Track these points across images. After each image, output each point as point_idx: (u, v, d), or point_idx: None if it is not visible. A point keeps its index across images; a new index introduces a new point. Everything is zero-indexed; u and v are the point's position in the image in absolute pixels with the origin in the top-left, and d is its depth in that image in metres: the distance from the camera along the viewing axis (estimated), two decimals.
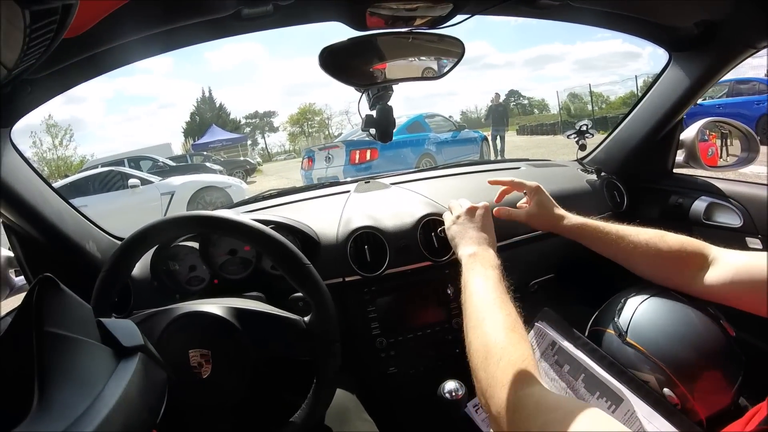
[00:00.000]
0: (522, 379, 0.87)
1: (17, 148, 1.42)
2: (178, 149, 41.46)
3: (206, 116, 51.00)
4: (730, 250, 1.18)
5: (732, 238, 1.71)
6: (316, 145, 17.98)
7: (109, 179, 11.65)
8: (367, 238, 1.66)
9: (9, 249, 1.59)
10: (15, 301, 1.59)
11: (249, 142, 48.33)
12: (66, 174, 24.57)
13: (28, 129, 36.80)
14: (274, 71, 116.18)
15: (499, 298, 1.12)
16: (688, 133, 1.99)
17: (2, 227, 1.52)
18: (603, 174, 2.14)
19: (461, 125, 14.55)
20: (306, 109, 58.65)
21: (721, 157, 2.06)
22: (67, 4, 0.67)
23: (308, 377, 1.24)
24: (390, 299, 1.68)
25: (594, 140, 2.32)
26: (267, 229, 1.23)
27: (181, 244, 1.64)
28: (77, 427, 0.61)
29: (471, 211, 1.46)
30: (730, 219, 1.78)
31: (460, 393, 1.44)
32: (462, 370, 1.47)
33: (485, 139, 14.57)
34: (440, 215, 1.70)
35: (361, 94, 1.44)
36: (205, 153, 30.74)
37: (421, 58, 1.41)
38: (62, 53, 1.13)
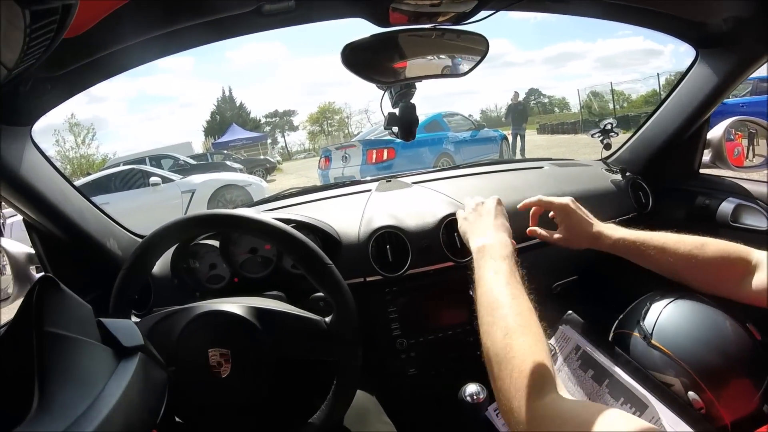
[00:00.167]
0: (537, 389, 0.85)
1: (38, 147, 1.43)
2: (198, 148, 41.78)
3: (226, 115, 51.45)
4: None
5: (760, 241, 1.65)
6: (333, 144, 17.99)
7: (130, 177, 11.79)
8: (389, 238, 1.64)
9: (30, 246, 1.59)
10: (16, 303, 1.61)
11: (269, 140, 48.70)
12: (88, 172, 24.91)
13: (51, 128, 37.51)
14: (294, 70, 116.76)
15: (510, 294, 1.06)
16: (715, 133, 1.95)
17: (23, 224, 1.53)
18: (628, 174, 2.09)
19: (480, 124, 14.47)
20: (326, 107, 58.90)
21: (747, 157, 2.02)
22: (67, 4, 0.67)
23: (328, 378, 1.23)
24: (411, 300, 1.66)
25: (618, 139, 2.28)
26: (288, 227, 1.23)
27: (201, 242, 1.63)
28: (77, 427, 0.62)
29: (480, 205, 1.43)
30: (758, 221, 1.74)
31: (481, 396, 1.42)
32: (483, 372, 1.46)
33: (505, 138, 14.49)
34: None
35: (383, 92, 1.43)
36: (225, 151, 31.01)
37: (445, 55, 1.39)
38: (81, 50, 1.13)
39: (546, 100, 63.65)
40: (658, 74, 26.48)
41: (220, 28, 1.27)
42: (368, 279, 1.61)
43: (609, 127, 2.17)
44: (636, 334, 1.19)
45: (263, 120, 58.31)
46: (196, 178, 12.06)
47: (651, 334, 1.15)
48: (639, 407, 1.08)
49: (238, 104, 54.68)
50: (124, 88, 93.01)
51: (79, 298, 0.77)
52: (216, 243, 1.63)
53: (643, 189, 2.07)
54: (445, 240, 1.66)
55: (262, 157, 30.88)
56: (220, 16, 1.20)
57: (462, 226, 1.42)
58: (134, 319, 1.29)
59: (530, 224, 1.55)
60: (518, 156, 14.67)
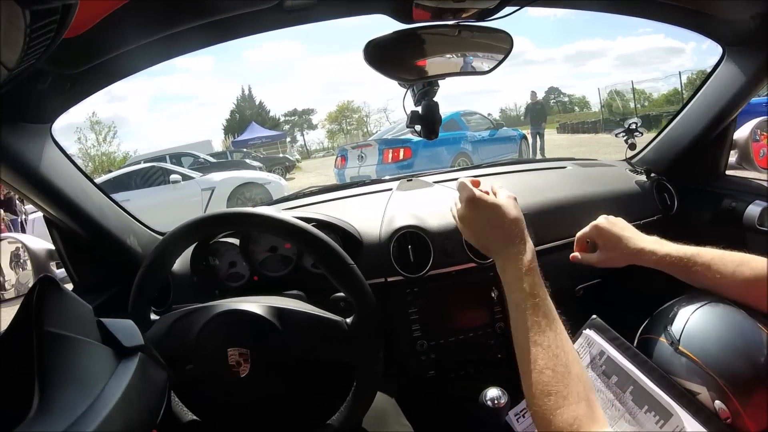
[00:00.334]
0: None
1: (58, 144, 1.44)
2: (218, 146, 42.12)
3: (246, 114, 51.87)
4: None
5: None
6: (350, 143, 18.00)
7: (150, 174, 11.92)
8: (410, 238, 1.62)
9: (51, 242, 1.61)
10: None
11: (288, 139, 48.91)
12: (110, 169, 25.24)
13: (74, 126, 38.04)
14: (313, 69, 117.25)
15: (535, 341, 1.00)
16: (741, 133, 1.92)
17: (44, 221, 1.54)
18: (653, 175, 2.06)
19: (499, 123, 14.41)
20: (344, 106, 59.05)
21: None
22: (67, 4, 0.67)
23: (347, 379, 1.22)
24: (432, 301, 1.65)
25: (642, 139, 2.24)
26: (309, 226, 1.22)
27: (221, 240, 1.63)
28: (77, 427, 0.62)
29: (469, 205, 1.19)
30: None
31: (502, 401, 1.40)
32: (504, 376, 1.45)
33: (524, 137, 14.45)
34: None
35: (405, 89, 1.41)
36: (244, 150, 31.19)
37: (468, 52, 1.36)
38: (99, 48, 1.14)
39: (566, 99, 63.28)
40: (679, 72, 26.33)
41: (241, 24, 1.27)
42: (389, 279, 1.60)
43: (633, 126, 2.14)
44: (663, 339, 1.16)
45: (282, 118, 58.76)
46: (216, 176, 12.17)
47: (678, 340, 1.12)
48: (663, 415, 1.06)
49: (257, 103, 55.17)
50: (144, 87, 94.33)
51: (79, 298, 0.77)
52: (236, 241, 1.63)
53: (668, 190, 2.03)
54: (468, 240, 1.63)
55: (281, 155, 31.09)
56: (241, 12, 1.19)
57: (463, 233, 1.26)
58: (153, 316, 1.30)
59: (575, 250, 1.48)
60: (537, 156, 14.58)
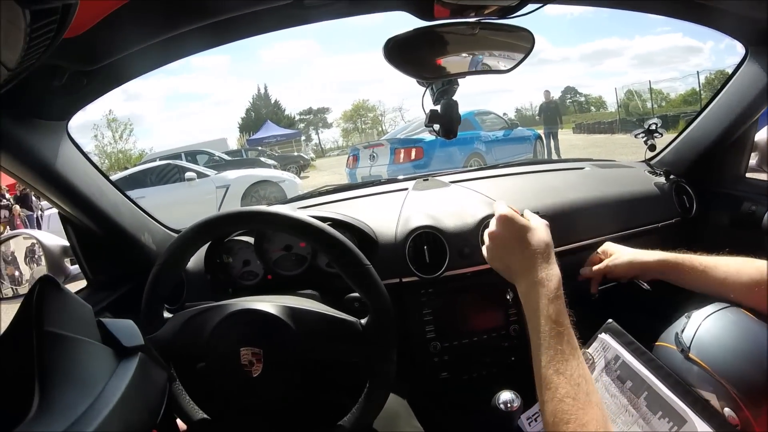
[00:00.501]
0: None
1: (74, 141, 1.44)
2: (233, 144, 42.41)
3: (261, 112, 52.16)
4: None
5: None
6: (362, 143, 18.00)
7: (166, 172, 12.01)
8: (426, 238, 1.61)
9: (65, 239, 1.62)
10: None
11: (303, 137, 49.03)
12: (125, 167, 25.44)
13: (91, 123, 38.50)
14: (329, 68, 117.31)
15: (556, 371, 1.00)
16: (762, 135, 1.89)
17: (59, 217, 1.54)
18: (672, 177, 2.03)
19: (514, 123, 14.30)
20: (359, 105, 59.05)
21: None
22: (68, 3, 0.66)
23: (359, 379, 1.21)
24: (447, 302, 1.64)
25: (661, 140, 2.22)
26: (325, 226, 1.21)
27: (236, 238, 1.63)
28: (77, 427, 0.62)
29: (501, 222, 1.24)
30: None
31: (515, 405, 1.39)
32: (517, 379, 1.44)
33: (539, 137, 14.39)
34: None
35: (425, 88, 1.40)
36: (259, 148, 31.33)
37: (489, 51, 1.36)
38: (115, 45, 1.14)
39: (582, 99, 62.87)
40: (698, 72, 26.10)
41: (261, 20, 1.26)
42: (404, 280, 1.59)
43: (653, 127, 2.11)
44: (672, 346, 1.16)
45: (297, 117, 58.89)
46: (231, 174, 12.24)
47: (689, 348, 1.12)
48: (677, 421, 1.06)
49: (273, 101, 55.40)
50: (160, 85, 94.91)
51: (79, 298, 0.78)
52: (250, 239, 1.62)
53: (687, 193, 2.00)
54: (484, 241, 1.61)
55: (295, 153, 31.16)
56: (261, 8, 1.18)
57: (487, 256, 1.29)
58: (166, 314, 1.30)
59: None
60: (552, 156, 14.49)
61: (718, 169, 2.02)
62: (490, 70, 1.37)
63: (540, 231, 1.19)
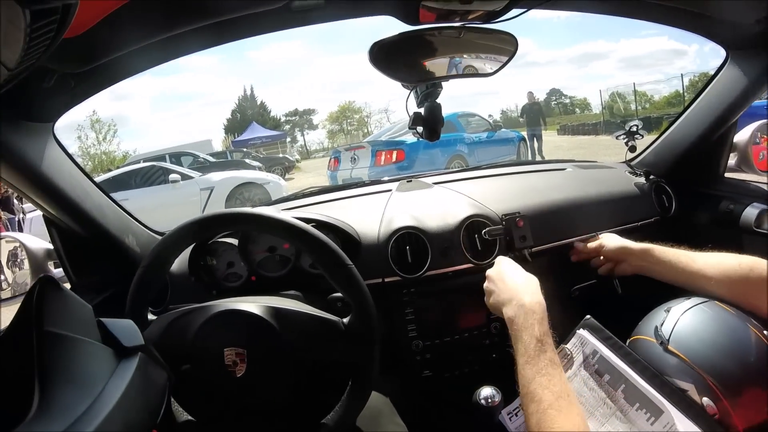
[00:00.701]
0: None
1: (60, 143, 1.44)
2: (218, 146, 41.98)
3: (247, 114, 51.79)
4: None
5: None
6: (343, 145, 17.94)
7: (150, 174, 11.92)
8: (408, 239, 1.63)
9: (49, 241, 1.61)
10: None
11: (288, 139, 48.77)
12: (109, 168, 25.24)
13: (75, 124, 38.02)
14: (315, 69, 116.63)
15: (540, 384, 1.08)
16: (742, 136, 1.93)
17: (43, 220, 1.54)
18: (652, 177, 2.07)
19: (497, 125, 14.27)
20: (345, 107, 58.78)
21: None
22: (68, 3, 0.67)
23: (343, 378, 1.23)
24: (429, 302, 1.66)
25: (642, 141, 2.25)
26: (308, 227, 1.23)
27: (220, 240, 1.64)
28: (77, 427, 0.62)
29: (496, 269, 1.41)
30: None
31: (496, 400, 1.41)
32: (499, 376, 1.46)
33: (523, 139, 14.40)
34: (485, 217, 1.68)
35: (409, 91, 1.42)
36: (244, 149, 31.13)
37: (473, 54, 1.38)
38: (104, 47, 1.14)
39: (567, 101, 62.99)
40: (681, 75, 26.30)
41: (249, 24, 1.28)
42: (387, 280, 1.61)
43: (634, 128, 2.14)
44: (652, 339, 1.20)
45: (283, 118, 58.51)
46: (215, 176, 12.18)
47: (668, 340, 1.16)
48: (654, 413, 1.09)
49: (258, 103, 55.03)
50: (145, 86, 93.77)
51: (79, 298, 0.78)
52: (234, 241, 1.63)
53: (666, 193, 2.04)
54: (466, 241, 1.65)
55: (281, 155, 31.04)
56: (249, 12, 1.19)
57: (487, 300, 1.41)
58: (151, 316, 1.30)
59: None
60: (536, 158, 14.54)
61: (698, 169, 2.06)
62: (473, 74, 1.40)
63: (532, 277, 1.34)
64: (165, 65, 1.39)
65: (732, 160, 1.99)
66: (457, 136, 11.91)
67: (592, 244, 1.64)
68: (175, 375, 1.22)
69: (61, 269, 1.64)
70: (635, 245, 1.53)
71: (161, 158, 16.49)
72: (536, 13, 1.39)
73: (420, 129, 1.41)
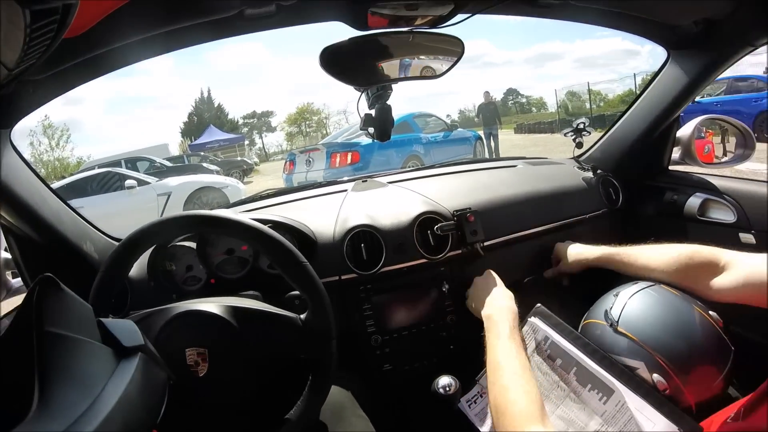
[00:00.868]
0: (521, 427, 1.05)
1: (17, 149, 1.42)
2: (175, 150, 41.34)
3: (204, 116, 50.83)
4: (740, 254, 1.25)
5: (726, 234, 1.73)
6: (298, 147, 17.72)
7: (105, 180, 11.65)
8: (363, 237, 1.66)
9: (6, 250, 1.58)
10: (16, 300, 1.60)
11: (246, 142, 48.10)
12: (63, 175, 24.55)
13: (27, 129, 36.67)
14: (274, 71, 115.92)
15: (507, 356, 1.24)
16: (685, 131, 2.00)
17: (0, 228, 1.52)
18: (599, 171, 2.15)
19: (453, 125, 14.28)
20: (304, 108, 58.05)
21: (717, 154, 2.08)
22: (68, 3, 0.67)
23: (305, 375, 1.25)
24: (385, 297, 1.69)
25: (591, 138, 2.32)
26: (264, 227, 1.24)
27: (178, 244, 1.64)
28: (77, 427, 0.61)
29: (483, 278, 1.61)
30: (724, 215, 1.79)
31: (453, 388, 1.45)
32: (456, 366, 1.52)
33: (480, 138, 14.44)
34: (437, 213, 1.72)
35: (360, 93, 1.45)
36: (202, 153, 30.70)
37: (421, 57, 1.41)
38: (64, 53, 1.13)
39: (524, 100, 63.70)
40: (634, 74, 26.85)
41: (202, 31, 1.28)
42: (343, 277, 1.63)
43: (581, 126, 2.21)
44: (602, 322, 1.27)
45: (241, 121, 57.57)
46: (172, 181, 11.96)
47: (617, 322, 1.23)
48: (606, 392, 1.16)
49: (216, 105, 54.11)
50: (100, 89, 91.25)
51: (79, 298, 0.77)
52: (193, 244, 1.63)
53: (613, 186, 2.12)
54: (419, 238, 1.68)
55: (239, 158, 30.55)
56: (203, 20, 1.20)
57: (470, 303, 1.60)
58: None
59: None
60: (492, 156, 14.63)
61: (643, 163, 2.14)
62: (422, 76, 1.43)
63: (507, 291, 1.52)
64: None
65: (676, 153, 2.06)
66: (412, 136, 11.86)
67: (555, 270, 1.77)
68: None
69: (19, 279, 1.61)
70: (587, 255, 1.66)
71: (117, 164, 16.12)
72: (492, 15, 1.44)
73: (371, 130, 1.44)
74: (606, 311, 1.28)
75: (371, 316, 1.67)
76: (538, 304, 1.42)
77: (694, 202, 1.89)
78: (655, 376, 1.13)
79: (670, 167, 2.11)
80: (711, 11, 1.54)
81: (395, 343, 1.69)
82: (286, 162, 12.33)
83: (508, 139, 20.75)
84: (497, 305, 1.45)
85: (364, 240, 1.65)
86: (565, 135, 2.30)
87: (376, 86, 1.41)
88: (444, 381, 1.47)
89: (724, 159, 2.06)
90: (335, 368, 1.24)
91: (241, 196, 10.52)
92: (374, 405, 1.58)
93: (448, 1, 1.25)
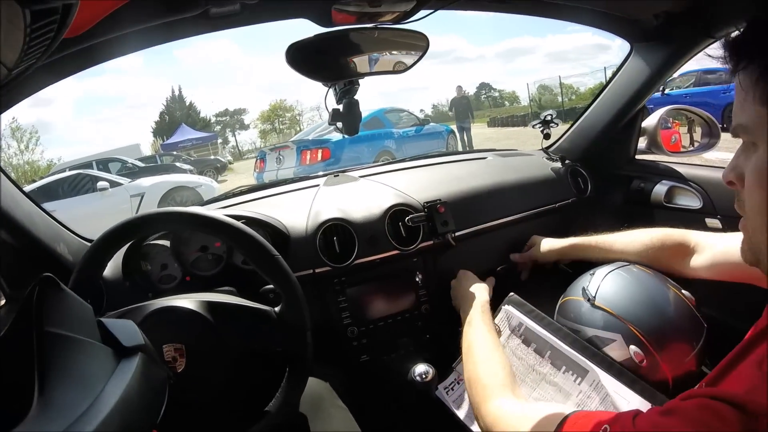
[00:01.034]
0: (489, 396, 1.14)
1: None
2: (147, 150, 40.80)
3: (176, 115, 50.15)
4: (708, 235, 1.34)
5: (692, 219, 1.77)
6: (269, 145, 17.53)
7: (77, 182, 11.49)
8: (336, 230, 1.67)
9: None
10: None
11: (219, 140, 47.44)
12: (33, 179, 24.11)
13: None
14: (246, 68, 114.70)
15: (479, 335, 1.36)
16: (650, 121, 2.05)
17: None
18: (567, 162, 2.19)
19: (425, 120, 14.30)
20: (277, 105, 57.45)
21: (684, 143, 2.13)
22: (68, 3, 0.67)
23: (283, 367, 1.26)
24: (360, 289, 1.71)
25: (559, 130, 2.36)
26: (235, 222, 1.25)
27: (152, 242, 1.63)
28: (77, 427, 0.61)
29: (457, 279, 1.71)
30: (691, 201, 1.84)
31: (429, 375, 1.50)
32: (433, 355, 1.55)
33: (452, 132, 14.50)
34: (408, 205, 1.74)
35: (327, 88, 1.46)
36: (174, 153, 30.28)
37: (386, 52, 1.43)
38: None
39: (496, 94, 63.74)
40: (605, 68, 27.16)
41: (167, 30, 1.29)
42: (317, 271, 1.64)
43: (549, 118, 2.24)
44: (580, 298, 1.33)
45: (213, 119, 56.84)
46: (145, 181, 11.84)
47: (594, 297, 1.29)
48: (580, 373, 1.21)
49: (187, 104, 53.44)
50: (67, 90, 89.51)
51: (79, 298, 0.77)
52: (167, 243, 1.63)
53: (581, 175, 2.17)
54: (391, 230, 1.70)
55: (212, 157, 30.23)
56: (167, 20, 1.21)
57: (453, 304, 1.67)
58: None
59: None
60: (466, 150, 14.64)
61: (610, 152, 2.20)
62: (388, 71, 1.45)
63: (481, 285, 1.62)
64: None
65: (642, 143, 2.11)
66: (383, 131, 11.95)
67: (526, 254, 1.83)
68: None
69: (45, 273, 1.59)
70: (561, 244, 1.71)
71: (88, 165, 15.87)
72: (462, 12, 1.45)
73: (340, 125, 1.45)
74: (584, 288, 1.34)
75: (347, 309, 1.69)
76: (512, 293, 1.48)
77: (660, 189, 1.94)
78: (632, 347, 1.18)
79: (637, 156, 2.16)
80: (670, 4, 1.58)
81: (372, 334, 1.71)
82: (256, 160, 12.29)
83: (482, 133, 20.85)
84: (468, 297, 1.54)
85: (337, 233, 1.66)
86: (533, 127, 2.34)
87: (344, 81, 1.42)
88: (421, 369, 1.51)
89: (691, 148, 2.11)
90: (311, 359, 1.25)
91: (215, 195, 10.43)
92: (353, 396, 1.60)
93: None
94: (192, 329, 1.18)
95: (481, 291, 1.55)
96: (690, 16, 1.59)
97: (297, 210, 1.75)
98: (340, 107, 1.44)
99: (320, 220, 1.68)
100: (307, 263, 1.63)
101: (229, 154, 44.45)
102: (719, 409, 0.62)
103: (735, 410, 0.60)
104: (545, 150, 2.36)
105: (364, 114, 1.49)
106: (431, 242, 1.73)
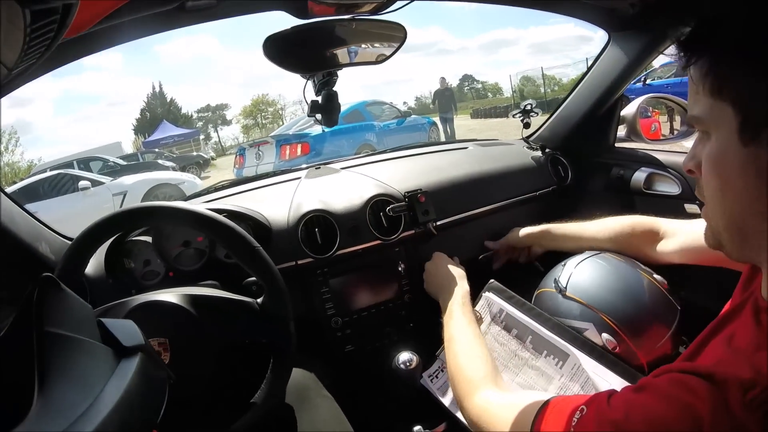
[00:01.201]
0: (473, 389, 1.15)
1: None
2: (129, 148, 40.41)
3: (157, 112, 49.80)
4: (678, 221, 1.37)
5: (672, 205, 1.79)
6: (248, 141, 17.41)
7: (57, 182, 11.40)
8: (317, 222, 1.67)
9: None
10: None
11: (202, 136, 46.95)
12: (14, 181, 23.84)
13: None
14: (226, 63, 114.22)
15: (460, 329, 1.37)
16: (629, 110, 2.07)
17: None
18: (547, 150, 2.22)
19: (407, 112, 14.23)
20: (259, 100, 57.07)
21: (664, 132, 2.15)
22: (68, 3, 0.67)
23: (267, 358, 1.27)
24: (343, 279, 1.72)
25: (541, 119, 2.39)
26: (215, 215, 1.25)
27: (134, 239, 1.63)
28: (77, 426, 0.61)
29: (432, 262, 1.72)
30: (670, 188, 1.87)
31: (413, 363, 1.51)
32: (417, 343, 1.56)
33: (434, 124, 14.51)
34: (389, 195, 1.75)
35: (306, 80, 1.46)
36: (156, 150, 29.99)
37: (364, 43, 1.44)
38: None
39: (479, 86, 63.84)
40: (587, 59, 27.20)
41: (144, 25, 1.27)
42: (299, 262, 1.64)
43: (529, 107, 2.26)
44: (552, 290, 1.36)
45: (195, 115, 56.58)
46: (128, 179, 11.76)
47: (565, 288, 1.32)
48: (561, 357, 1.23)
49: (168, 100, 53.05)
50: (46, 88, 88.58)
51: (79, 298, 0.77)
52: (149, 239, 1.62)
53: (562, 163, 2.20)
54: (372, 220, 1.71)
55: (195, 153, 30.01)
56: (144, 14, 1.19)
57: (426, 287, 1.70)
58: None
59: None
60: None
61: (590, 141, 2.22)
62: (365, 62, 1.46)
63: (457, 269, 1.63)
64: (67, 65, 1.37)
65: (622, 131, 2.13)
66: (364, 124, 11.86)
67: (500, 245, 1.85)
68: None
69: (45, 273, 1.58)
70: (535, 229, 1.74)
71: (69, 165, 15.72)
72: (440, 3, 1.45)
73: (319, 116, 1.45)
74: (555, 279, 1.36)
75: (330, 299, 1.70)
76: (492, 280, 1.50)
77: (639, 176, 1.96)
78: (604, 335, 1.20)
79: (617, 144, 2.18)
80: None
81: (355, 324, 1.73)
82: (236, 156, 12.18)
83: (465, 125, 20.89)
84: (447, 286, 1.55)
85: (318, 225, 1.67)
86: (513, 116, 2.36)
87: (322, 73, 1.43)
88: (404, 356, 1.53)
89: (671, 136, 2.14)
90: (295, 349, 1.26)
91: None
92: (339, 385, 1.61)
93: None
94: (175, 323, 1.19)
95: (459, 278, 1.57)
96: (665, 5, 1.59)
97: (279, 202, 1.76)
98: (319, 99, 1.44)
99: (302, 211, 1.68)
100: (290, 255, 1.63)
101: (212, 150, 44.04)
102: (689, 382, 0.64)
103: (704, 382, 0.62)
104: (526, 139, 2.38)
105: (344, 107, 1.50)
106: (413, 231, 1.74)
